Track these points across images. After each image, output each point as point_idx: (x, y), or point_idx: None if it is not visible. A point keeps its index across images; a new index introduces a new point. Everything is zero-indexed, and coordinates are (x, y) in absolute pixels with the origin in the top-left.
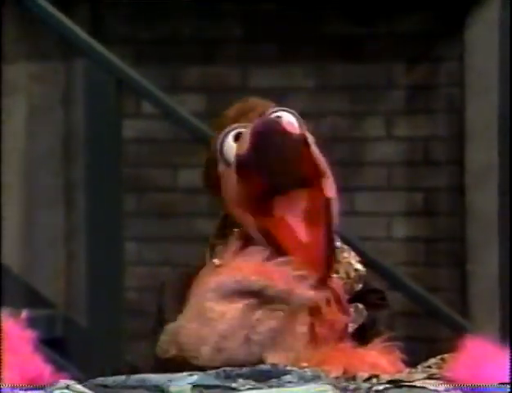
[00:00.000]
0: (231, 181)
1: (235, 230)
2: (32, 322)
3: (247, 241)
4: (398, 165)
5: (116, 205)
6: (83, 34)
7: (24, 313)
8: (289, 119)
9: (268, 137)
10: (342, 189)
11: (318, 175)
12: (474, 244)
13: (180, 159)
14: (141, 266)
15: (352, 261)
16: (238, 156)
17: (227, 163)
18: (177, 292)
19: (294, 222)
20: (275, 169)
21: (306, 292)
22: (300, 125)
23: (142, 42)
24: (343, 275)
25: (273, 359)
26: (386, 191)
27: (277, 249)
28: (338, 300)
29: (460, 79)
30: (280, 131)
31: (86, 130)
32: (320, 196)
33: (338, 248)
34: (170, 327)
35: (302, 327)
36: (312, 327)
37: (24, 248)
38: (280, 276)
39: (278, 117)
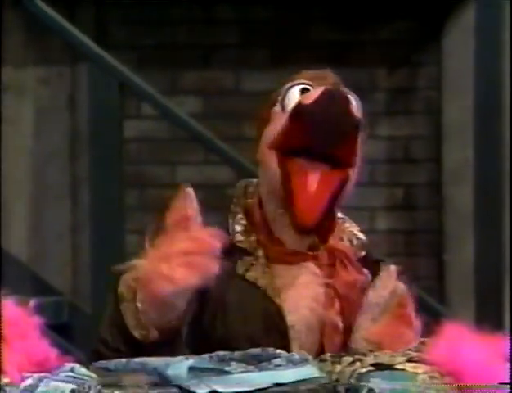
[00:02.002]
0: (280, 122)
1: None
2: (40, 309)
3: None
4: (380, 163)
5: (118, 200)
6: (87, 40)
7: (32, 301)
8: (355, 103)
9: (334, 103)
10: None
11: (350, 163)
12: (451, 235)
13: (178, 157)
14: None
15: (354, 230)
16: (300, 104)
17: (284, 107)
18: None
19: (311, 179)
20: (323, 133)
21: None
22: (361, 114)
23: (143, 47)
24: (347, 243)
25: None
26: (369, 187)
27: (287, 191)
28: (351, 262)
29: (438, 82)
30: (345, 105)
31: (90, 130)
32: (339, 175)
33: (340, 218)
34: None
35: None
36: (334, 288)
37: (32, 240)
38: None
39: (348, 95)
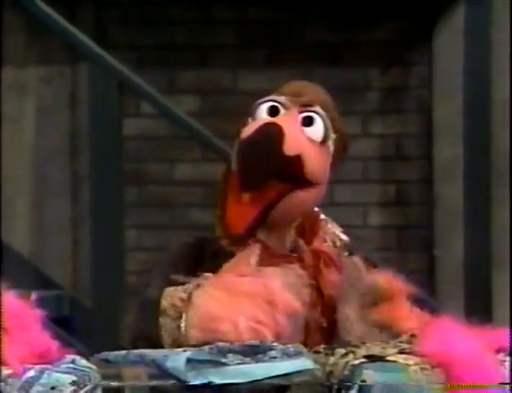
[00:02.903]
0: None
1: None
2: (41, 303)
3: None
4: (373, 160)
5: (118, 196)
6: (87, 41)
7: (34, 295)
8: (294, 134)
9: (261, 143)
10: None
11: (286, 188)
12: (441, 231)
13: (176, 154)
14: (141, 252)
15: (336, 231)
16: (240, 140)
17: (254, 118)
18: (176, 263)
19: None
20: (248, 170)
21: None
22: (296, 145)
23: (142, 47)
24: (330, 244)
25: None
26: (362, 184)
27: (221, 201)
28: (334, 263)
29: (429, 81)
30: (272, 144)
31: (90, 128)
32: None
33: (323, 220)
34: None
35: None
36: (318, 289)
37: (34, 235)
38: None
39: (307, 118)
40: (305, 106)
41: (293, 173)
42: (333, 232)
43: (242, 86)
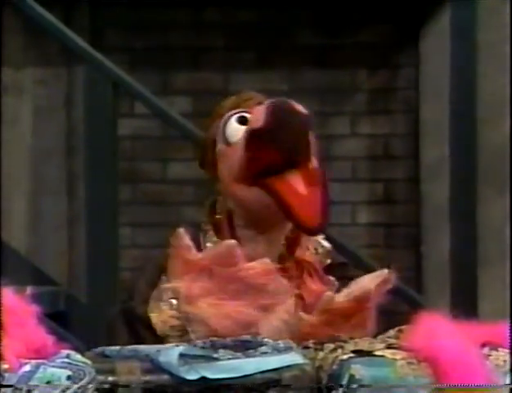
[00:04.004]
0: (235, 156)
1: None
2: (37, 298)
3: (231, 228)
4: (361, 159)
5: (112, 194)
6: (83, 43)
7: (29, 290)
8: (295, 103)
9: (285, 113)
10: None
11: (310, 157)
12: (428, 228)
13: (169, 154)
14: (135, 249)
15: (318, 239)
16: (251, 131)
17: (228, 142)
18: (152, 279)
19: (295, 182)
20: (288, 145)
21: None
22: (303, 108)
23: (136, 49)
24: (313, 251)
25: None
26: (350, 183)
27: (281, 203)
28: (317, 273)
29: (416, 83)
30: (293, 109)
31: (85, 128)
32: (315, 170)
33: None
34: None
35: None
36: (302, 299)
37: (30, 232)
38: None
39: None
40: None
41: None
42: (315, 239)
43: (233, 87)
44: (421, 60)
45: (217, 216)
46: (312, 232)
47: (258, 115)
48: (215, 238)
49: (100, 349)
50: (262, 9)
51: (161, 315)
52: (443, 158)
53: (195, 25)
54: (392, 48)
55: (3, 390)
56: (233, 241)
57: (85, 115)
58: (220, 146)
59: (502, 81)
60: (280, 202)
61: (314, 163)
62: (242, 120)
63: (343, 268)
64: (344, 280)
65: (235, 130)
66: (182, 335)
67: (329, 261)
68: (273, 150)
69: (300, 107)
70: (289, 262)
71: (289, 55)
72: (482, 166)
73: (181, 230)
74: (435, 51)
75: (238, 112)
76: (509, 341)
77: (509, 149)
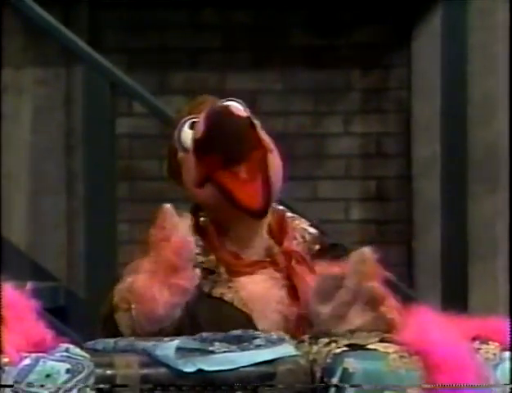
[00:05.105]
0: (189, 164)
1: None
2: (37, 294)
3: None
4: (354, 158)
5: (111, 191)
6: (82, 44)
7: (29, 285)
8: (236, 105)
9: (220, 119)
10: (306, 178)
11: (264, 150)
12: (419, 225)
13: (166, 152)
14: (132, 245)
15: (304, 226)
16: (195, 140)
17: (185, 149)
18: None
19: (236, 173)
20: (228, 145)
21: None
22: (246, 111)
23: (134, 50)
24: (300, 239)
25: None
26: (344, 180)
27: (224, 191)
28: (305, 262)
29: (408, 83)
30: (229, 113)
31: (84, 127)
32: (261, 160)
33: (290, 217)
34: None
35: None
36: (293, 288)
37: (30, 229)
38: None
39: (226, 105)
40: None
41: (260, 139)
42: (301, 228)
43: (229, 87)
44: (413, 61)
45: (201, 219)
46: (256, 214)
47: (199, 124)
48: (201, 242)
49: (96, 342)
50: (258, 10)
51: (118, 287)
52: (435, 156)
53: (192, 26)
54: (385, 48)
55: (2, 383)
56: (168, 205)
57: (84, 114)
58: (180, 154)
59: (493, 81)
60: (223, 191)
61: (259, 155)
62: (193, 126)
63: (335, 249)
64: (339, 260)
65: (188, 136)
66: (129, 308)
67: (317, 247)
68: (214, 155)
69: (237, 109)
70: (277, 254)
71: (283, 55)
72: (472, 164)
73: (168, 206)
74: (427, 51)
75: (190, 118)
76: (509, 337)
77: (499, 147)
